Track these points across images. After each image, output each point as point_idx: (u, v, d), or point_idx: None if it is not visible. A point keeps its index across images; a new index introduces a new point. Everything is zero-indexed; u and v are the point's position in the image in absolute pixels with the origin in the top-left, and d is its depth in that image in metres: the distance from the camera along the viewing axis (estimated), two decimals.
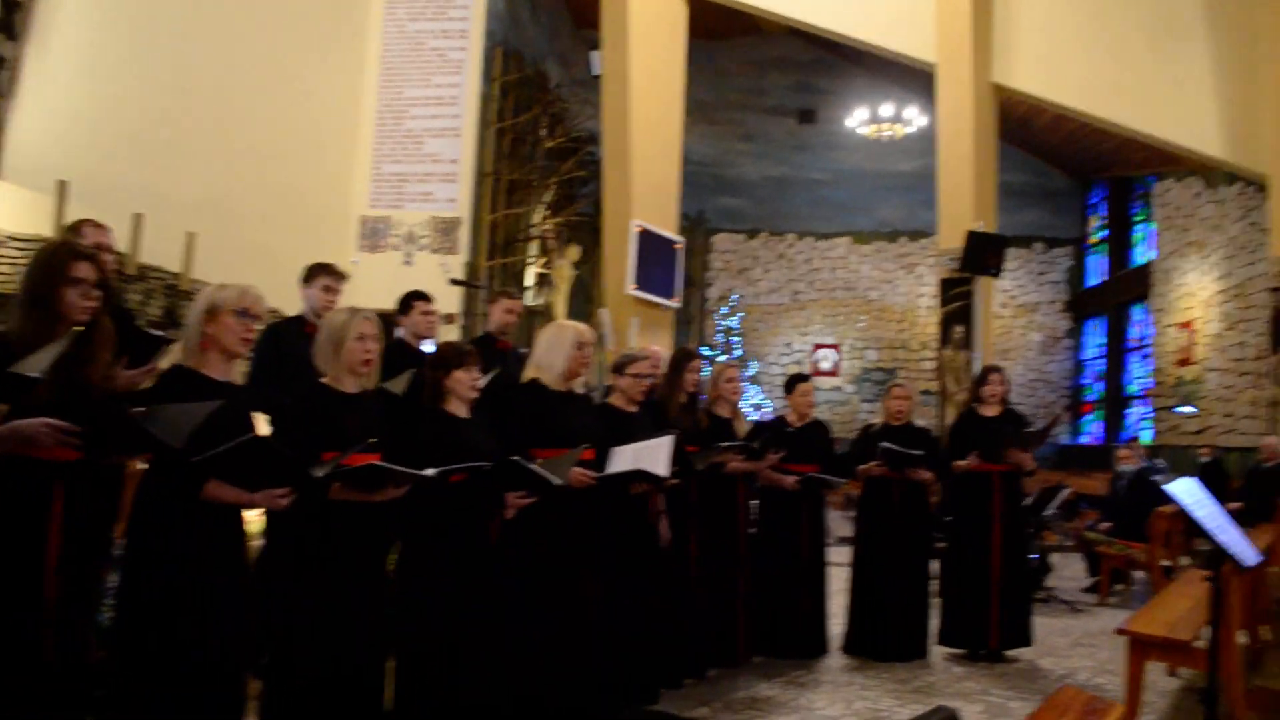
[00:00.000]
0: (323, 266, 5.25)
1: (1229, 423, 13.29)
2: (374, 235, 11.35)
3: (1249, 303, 13.12)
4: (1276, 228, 11.74)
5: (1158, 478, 3.55)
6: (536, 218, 15.77)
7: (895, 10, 12.47)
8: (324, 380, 3.63)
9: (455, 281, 9.45)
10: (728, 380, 6.10)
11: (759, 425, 6.63)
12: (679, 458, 5.06)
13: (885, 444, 6.21)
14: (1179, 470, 12.02)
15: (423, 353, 5.64)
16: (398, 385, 4.52)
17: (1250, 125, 11.90)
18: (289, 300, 5.69)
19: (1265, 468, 10.03)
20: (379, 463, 3.42)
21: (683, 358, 5.79)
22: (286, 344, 4.99)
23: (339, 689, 3.46)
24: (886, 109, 17.72)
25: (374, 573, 3.65)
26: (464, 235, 11.41)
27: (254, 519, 3.55)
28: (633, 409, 5.10)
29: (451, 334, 10.31)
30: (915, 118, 17.56)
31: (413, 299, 5.68)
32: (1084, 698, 3.12)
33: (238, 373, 3.62)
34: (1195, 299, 14.82)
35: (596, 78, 11.97)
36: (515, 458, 3.82)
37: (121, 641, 3.13)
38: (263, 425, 3.64)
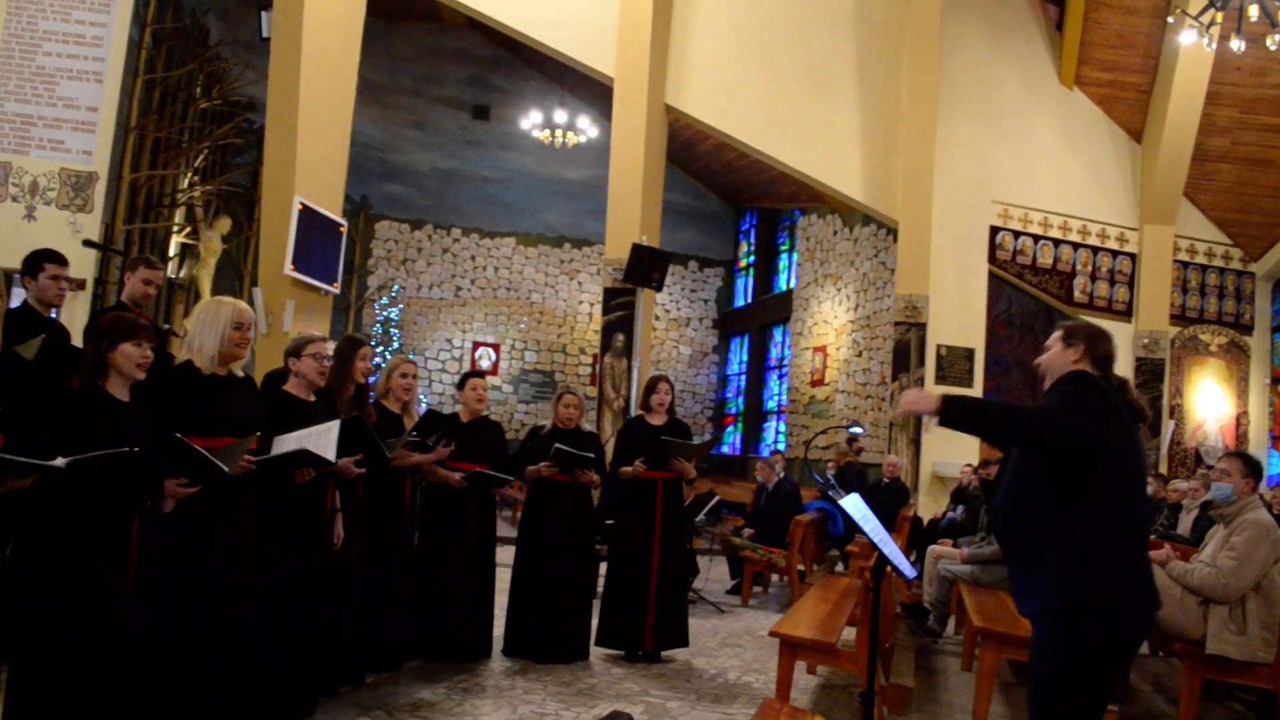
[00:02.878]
0: None
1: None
2: None
3: (875, 334, 14.44)
4: (901, 268, 13.00)
5: (832, 493, 3.74)
6: (184, 183, 14.55)
7: (579, 20, 12.61)
8: None
9: (90, 244, 8.43)
10: (401, 375, 5.83)
11: (428, 417, 6.39)
12: (371, 448, 4.79)
13: (559, 445, 6.18)
14: (805, 481, 13.00)
15: (50, 322, 4.96)
16: (28, 350, 3.89)
17: (886, 174, 13.13)
18: None
19: (886, 483, 11.02)
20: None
21: (351, 346, 5.45)
22: None
23: None
24: (560, 116, 17.97)
25: None
26: (100, 193, 10.21)
27: None
28: (311, 398, 4.73)
29: (82, 302, 9.22)
30: (588, 128, 17.93)
31: (43, 260, 4.96)
32: (787, 710, 3.18)
33: None
34: (829, 326, 16.12)
35: (265, 40, 11.17)
36: (180, 435, 3.38)
37: None
38: None
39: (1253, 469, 5.09)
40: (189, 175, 14.76)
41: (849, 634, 5.81)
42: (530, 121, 18.08)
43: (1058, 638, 3.04)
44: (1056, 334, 3.38)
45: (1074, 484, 3.05)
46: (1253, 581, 4.85)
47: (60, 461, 3.12)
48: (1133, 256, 14.10)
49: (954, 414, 3.08)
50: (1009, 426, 3.17)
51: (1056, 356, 3.31)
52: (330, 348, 4.82)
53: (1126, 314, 13.98)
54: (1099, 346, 3.30)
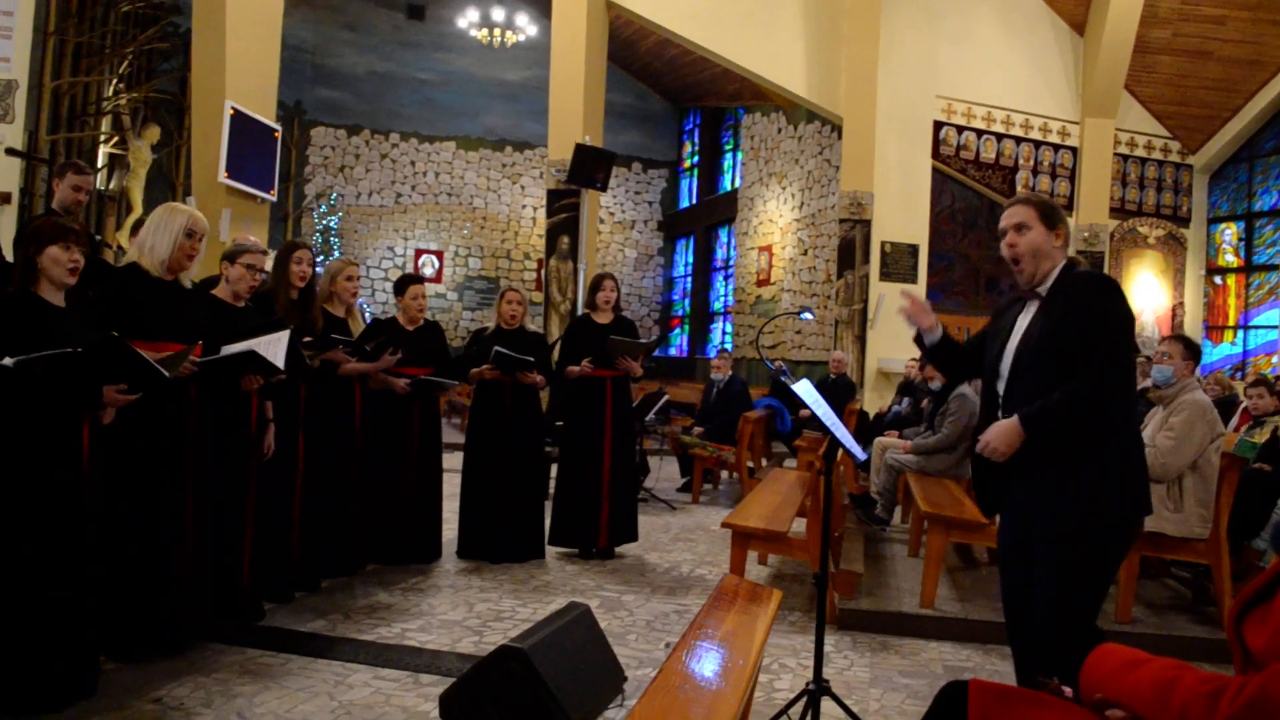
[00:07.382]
0: None
1: (799, 339, 14.64)
2: None
3: (820, 232, 14.43)
4: (846, 165, 12.95)
5: (784, 379, 3.75)
6: (110, 91, 14.02)
7: None
8: None
9: (12, 152, 8.11)
10: (346, 278, 5.71)
11: (374, 324, 6.30)
12: (291, 357, 4.67)
13: (498, 348, 6.14)
14: (754, 380, 13.08)
15: None
16: None
17: (831, 71, 12.97)
18: None
19: (833, 379, 11.12)
20: None
21: (289, 249, 5.31)
22: None
23: None
24: (498, 14, 17.45)
25: None
26: (20, 101, 9.78)
27: None
28: (241, 303, 4.62)
29: (9, 215, 8.90)
30: (526, 26, 17.44)
31: None
32: (746, 586, 3.22)
33: None
34: (774, 225, 16.07)
35: None
36: (118, 336, 3.27)
37: None
38: None
39: (1193, 352, 5.18)
40: (114, 82, 14.22)
41: (798, 526, 5.91)
42: (467, 20, 17.54)
43: (1087, 555, 2.86)
44: (1027, 210, 3.05)
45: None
46: (1190, 460, 4.97)
47: (8, 361, 3.05)
48: (1074, 150, 14.16)
49: (1035, 429, 2.89)
50: (1087, 410, 2.85)
51: (1041, 240, 3.01)
52: (267, 261, 4.66)
53: (1068, 208, 14.08)
54: (1068, 223, 3.07)
